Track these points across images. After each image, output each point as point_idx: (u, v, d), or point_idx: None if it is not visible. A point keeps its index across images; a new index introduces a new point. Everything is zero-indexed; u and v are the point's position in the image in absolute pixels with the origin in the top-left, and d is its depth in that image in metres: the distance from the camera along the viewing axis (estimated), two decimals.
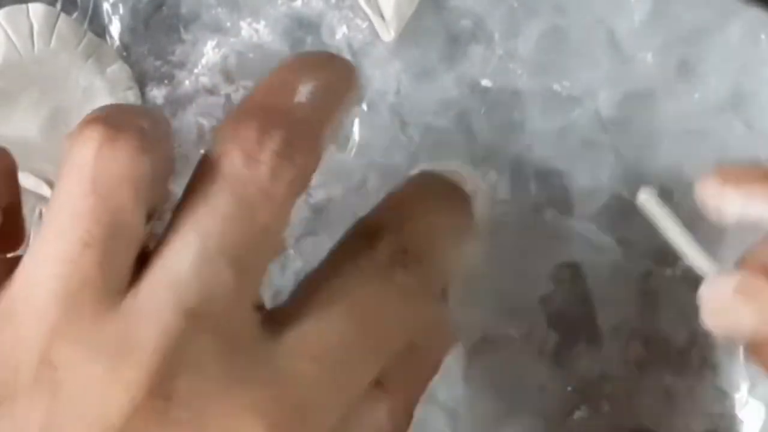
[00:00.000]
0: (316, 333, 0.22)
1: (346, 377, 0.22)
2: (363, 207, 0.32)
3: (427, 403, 0.32)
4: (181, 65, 0.33)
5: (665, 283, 0.33)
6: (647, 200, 0.28)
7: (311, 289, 0.23)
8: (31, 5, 0.31)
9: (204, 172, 0.22)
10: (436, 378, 0.26)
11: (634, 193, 0.33)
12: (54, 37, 0.31)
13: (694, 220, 0.33)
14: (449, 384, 0.32)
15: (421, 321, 0.24)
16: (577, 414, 0.32)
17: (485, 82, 0.33)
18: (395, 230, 0.24)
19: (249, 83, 0.33)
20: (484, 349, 0.32)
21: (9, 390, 0.20)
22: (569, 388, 0.32)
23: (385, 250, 0.23)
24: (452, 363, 0.32)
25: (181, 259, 0.21)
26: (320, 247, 0.32)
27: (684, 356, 0.33)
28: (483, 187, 0.30)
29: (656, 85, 0.33)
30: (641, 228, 0.33)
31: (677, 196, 0.33)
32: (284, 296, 0.32)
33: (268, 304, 0.32)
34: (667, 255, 0.33)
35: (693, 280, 0.33)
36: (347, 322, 0.22)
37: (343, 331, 0.22)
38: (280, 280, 0.32)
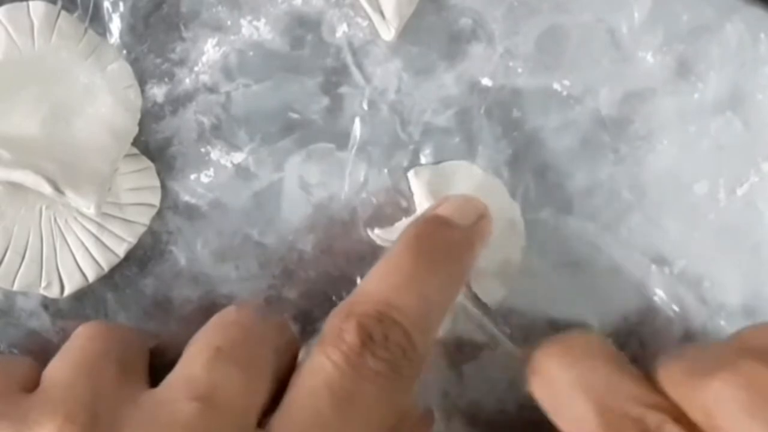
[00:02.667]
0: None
1: None
2: (363, 206, 0.33)
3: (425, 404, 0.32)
4: (181, 63, 0.33)
5: (662, 282, 0.33)
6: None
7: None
8: (31, 3, 0.31)
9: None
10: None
11: (633, 192, 0.33)
12: (54, 34, 0.31)
13: (693, 221, 0.33)
14: (447, 385, 0.32)
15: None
16: None
17: (485, 81, 0.33)
18: (364, 312, 0.27)
19: (249, 81, 0.33)
20: (482, 348, 0.32)
21: None
22: None
23: (350, 337, 0.26)
24: (449, 363, 0.33)
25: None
26: (319, 244, 0.32)
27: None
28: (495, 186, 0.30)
29: (656, 84, 0.33)
30: (640, 227, 0.33)
31: (677, 195, 0.33)
32: (282, 295, 0.32)
33: (268, 302, 0.32)
34: (666, 255, 0.33)
35: (692, 281, 0.33)
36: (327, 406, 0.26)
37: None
38: (279, 280, 0.32)
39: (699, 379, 0.26)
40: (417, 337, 0.27)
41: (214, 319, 0.28)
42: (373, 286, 0.27)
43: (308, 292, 0.32)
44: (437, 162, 0.33)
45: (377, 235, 0.32)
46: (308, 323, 0.32)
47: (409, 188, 0.33)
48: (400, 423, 0.27)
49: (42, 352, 0.32)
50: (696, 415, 0.26)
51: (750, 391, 0.25)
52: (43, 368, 0.28)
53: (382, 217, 0.33)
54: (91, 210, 0.30)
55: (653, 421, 0.26)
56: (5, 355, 0.30)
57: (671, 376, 0.27)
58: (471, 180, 0.33)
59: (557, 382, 0.28)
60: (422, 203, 0.32)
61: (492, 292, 0.32)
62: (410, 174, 0.33)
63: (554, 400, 0.28)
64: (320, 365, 0.26)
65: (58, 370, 0.27)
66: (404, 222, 0.32)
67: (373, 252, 0.33)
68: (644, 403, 0.26)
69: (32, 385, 0.27)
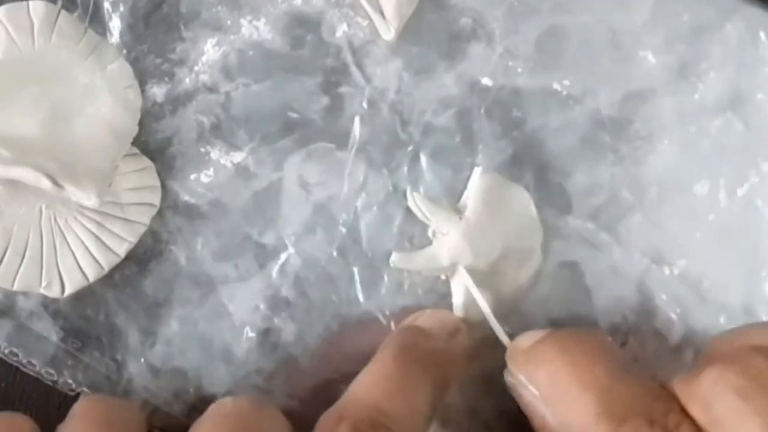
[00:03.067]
0: None
1: None
2: (363, 205, 0.33)
3: None
4: (181, 63, 0.33)
5: (662, 282, 0.33)
6: (463, 272, 0.31)
7: None
8: (31, 2, 0.31)
9: None
10: None
11: (633, 192, 0.33)
12: (54, 34, 0.31)
13: (693, 221, 0.33)
14: None
15: None
16: None
17: (485, 81, 0.33)
18: (356, 417, 0.27)
19: (249, 81, 0.33)
20: (482, 349, 0.32)
21: None
22: None
23: None
24: None
25: None
26: (320, 245, 0.33)
27: (679, 354, 0.33)
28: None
29: (657, 84, 0.33)
30: (640, 227, 0.33)
31: (677, 195, 0.33)
32: (282, 294, 0.32)
33: (268, 301, 0.32)
34: (666, 255, 0.33)
35: (691, 280, 0.33)
36: None
37: None
38: (279, 279, 0.32)
39: (697, 372, 0.26)
40: None
41: (213, 410, 0.29)
42: (363, 393, 0.28)
43: (307, 293, 0.32)
44: (438, 161, 0.33)
45: (414, 196, 0.32)
46: (307, 324, 0.32)
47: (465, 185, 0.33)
48: None
49: (42, 352, 0.32)
50: (695, 407, 0.26)
51: (745, 377, 0.25)
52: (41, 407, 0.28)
53: (382, 217, 0.33)
54: (92, 201, 0.30)
55: (659, 409, 0.26)
56: (4, 415, 0.29)
57: (675, 380, 0.27)
58: (521, 212, 0.33)
59: (560, 373, 0.28)
60: (469, 200, 0.32)
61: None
62: (476, 170, 0.33)
63: (556, 391, 0.28)
64: None
65: None
66: (445, 203, 0.32)
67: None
68: (650, 394, 0.27)
69: None
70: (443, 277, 0.32)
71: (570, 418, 0.27)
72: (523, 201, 0.33)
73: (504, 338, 0.31)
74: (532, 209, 0.33)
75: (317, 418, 0.27)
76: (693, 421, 0.26)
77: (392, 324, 0.32)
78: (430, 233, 0.33)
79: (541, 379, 0.28)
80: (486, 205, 0.32)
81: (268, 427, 0.29)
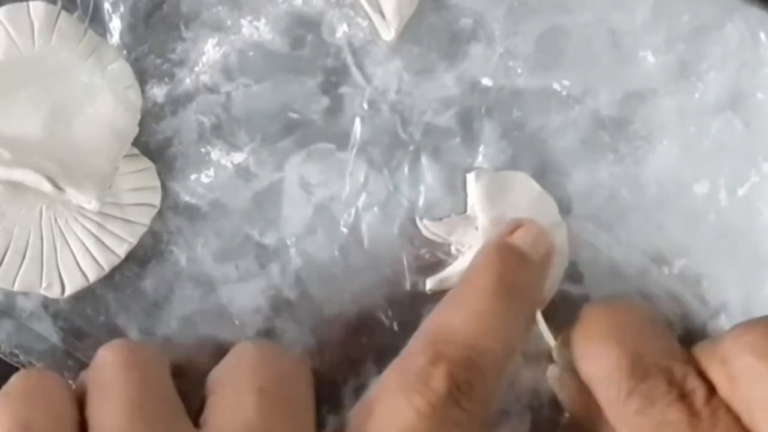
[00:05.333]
0: None
1: None
2: (363, 206, 0.33)
3: None
4: (181, 63, 0.33)
5: (662, 282, 0.33)
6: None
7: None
8: (31, 3, 0.31)
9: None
10: None
11: (633, 192, 0.33)
12: (54, 34, 0.31)
13: (693, 221, 0.33)
14: None
15: None
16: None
17: (486, 81, 0.33)
18: (454, 358, 0.26)
19: (249, 81, 0.33)
20: None
21: None
22: None
23: (437, 385, 0.26)
24: None
25: None
26: (320, 245, 0.33)
27: None
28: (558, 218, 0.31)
29: (656, 84, 0.33)
30: (640, 227, 0.33)
31: (677, 195, 0.33)
32: (283, 295, 0.32)
33: (269, 302, 0.32)
34: (665, 255, 0.33)
35: (690, 280, 0.33)
36: None
37: None
38: (280, 280, 0.32)
39: (718, 336, 0.27)
40: (497, 386, 0.27)
41: (239, 354, 0.28)
42: (459, 327, 0.27)
43: (308, 293, 0.32)
44: (439, 161, 0.33)
45: (425, 225, 0.32)
46: (308, 324, 0.32)
47: (464, 189, 0.33)
48: None
49: (42, 352, 0.32)
50: (713, 365, 0.27)
51: (765, 339, 0.25)
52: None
53: (383, 217, 0.33)
54: (92, 204, 0.30)
55: (679, 371, 0.27)
56: (35, 372, 0.28)
57: (698, 345, 0.28)
58: (527, 193, 0.33)
59: (594, 330, 0.28)
60: (476, 207, 0.32)
61: None
62: (469, 177, 0.33)
63: (587, 347, 0.28)
64: (401, 412, 0.25)
65: (107, 415, 0.25)
66: (455, 219, 0.32)
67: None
68: (673, 356, 0.27)
69: (77, 425, 0.25)
70: (454, 250, 0.33)
71: (595, 370, 0.28)
72: (524, 182, 0.33)
73: (550, 339, 0.30)
74: (536, 185, 0.33)
75: (318, 415, 0.27)
76: (709, 386, 0.26)
77: (395, 325, 0.32)
78: (453, 250, 0.33)
79: (578, 338, 0.29)
80: (493, 204, 0.32)
81: (301, 373, 0.28)
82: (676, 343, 0.28)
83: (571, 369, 0.29)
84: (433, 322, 0.28)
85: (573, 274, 0.33)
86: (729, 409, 0.26)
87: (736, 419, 0.26)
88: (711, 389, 0.26)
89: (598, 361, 0.28)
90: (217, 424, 0.25)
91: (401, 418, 0.25)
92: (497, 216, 0.32)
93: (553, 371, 0.30)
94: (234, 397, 0.26)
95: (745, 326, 0.27)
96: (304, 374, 0.28)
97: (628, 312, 0.29)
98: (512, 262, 0.29)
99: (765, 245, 0.33)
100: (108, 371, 0.26)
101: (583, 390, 0.28)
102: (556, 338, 0.30)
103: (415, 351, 0.27)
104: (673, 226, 0.33)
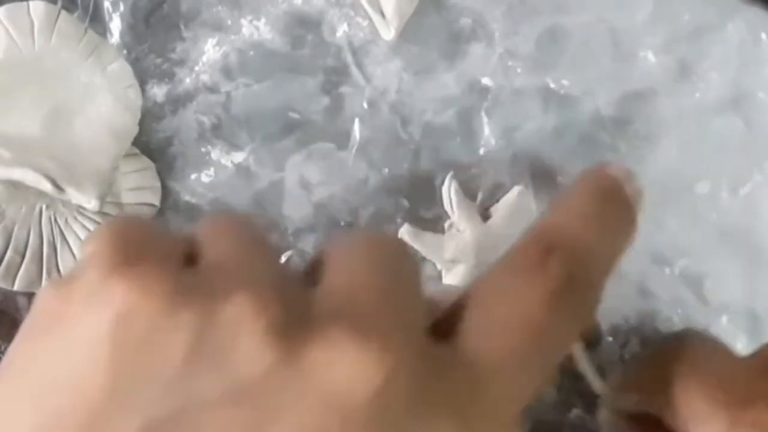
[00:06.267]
0: (489, 350, 0.23)
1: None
2: (364, 205, 0.33)
3: None
4: (181, 63, 0.33)
5: (663, 282, 0.33)
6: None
7: (477, 299, 0.24)
8: (31, 3, 0.31)
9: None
10: None
11: None
12: (55, 34, 0.31)
13: (694, 221, 0.33)
14: None
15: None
16: (574, 413, 0.32)
17: (485, 81, 0.33)
18: (568, 249, 0.24)
19: (249, 81, 0.33)
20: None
21: None
22: (565, 388, 0.32)
23: (555, 272, 0.24)
24: None
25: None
26: (320, 244, 0.32)
27: None
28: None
29: (656, 84, 0.33)
30: (641, 227, 0.33)
31: (678, 195, 0.33)
32: None
33: None
34: (666, 254, 0.33)
35: (692, 280, 0.33)
36: (519, 339, 0.23)
37: (516, 347, 0.23)
38: None
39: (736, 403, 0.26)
40: (598, 293, 0.25)
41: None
42: (569, 222, 0.25)
43: None
44: (439, 161, 0.33)
45: (402, 232, 0.32)
46: None
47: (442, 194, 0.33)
48: None
49: None
50: None
51: None
52: None
53: (383, 217, 0.33)
54: (92, 204, 0.30)
55: None
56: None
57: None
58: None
59: (667, 368, 0.27)
60: (500, 215, 0.32)
61: None
62: (514, 190, 0.33)
63: (663, 387, 0.27)
64: (522, 295, 0.23)
65: (222, 250, 0.22)
66: (434, 236, 0.32)
67: None
68: (764, 376, 0.26)
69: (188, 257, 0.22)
70: (438, 267, 0.32)
71: (689, 411, 0.27)
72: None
73: (594, 380, 0.30)
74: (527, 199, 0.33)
75: None
76: None
77: None
78: (446, 224, 0.33)
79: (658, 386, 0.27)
80: (511, 221, 0.32)
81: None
82: (744, 359, 0.27)
83: (624, 413, 0.29)
84: (538, 224, 0.27)
85: None
86: None
87: None
88: None
89: (683, 399, 0.26)
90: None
91: (522, 303, 0.23)
92: (473, 212, 0.32)
93: (603, 416, 0.29)
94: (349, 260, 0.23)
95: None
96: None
97: (709, 342, 0.27)
98: (613, 180, 0.29)
99: (767, 245, 0.33)
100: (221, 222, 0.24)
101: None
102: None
103: (524, 243, 0.26)
104: (675, 226, 0.33)
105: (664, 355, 0.28)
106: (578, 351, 0.29)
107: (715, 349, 0.27)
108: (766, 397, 0.25)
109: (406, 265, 0.24)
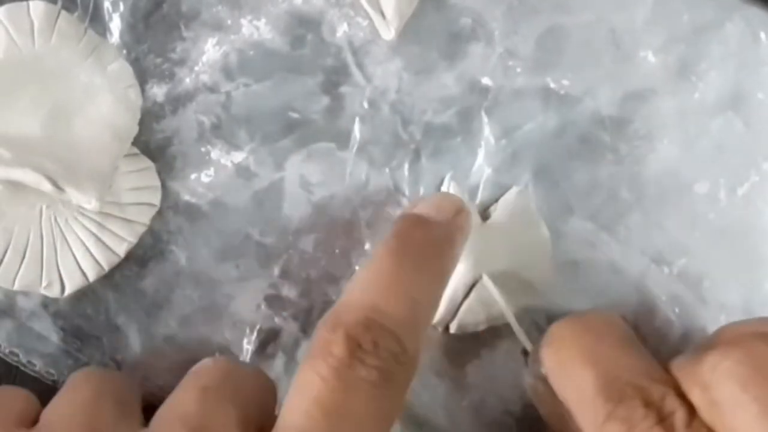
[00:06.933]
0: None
1: None
2: (364, 205, 0.33)
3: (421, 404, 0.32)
4: (181, 63, 0.33)
5: (662, 282, 0.33)
6: (488, 282, 0.31)
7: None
8: (31, 2, 0.31)
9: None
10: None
11: (633, 192, 0.33)
12: (54, 34, 0.31)
13: (693, 221, 0.33)
14: (451, 385, 0.32)
15: None
16: None
17: (485, 81, 0.33)
18: (352, 323, 0.26)
19: (249, 81, 0.33)
20: (480, 347, 0.32)
21: None
22: None
23: (338, 349, 0.26)
24: (452, 363, 0.33)
25: None
26: (320, 244, 0.33)
27: (678, 353, 0.33)
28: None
29: (656, 83, 0.33)
30: (639, 227, 0.33)
31: (677, 195, 0.33)
32: (283, 294, 0.32)
33: (269, 301, 0.32)
34: (665, 254, 0.33)
35: (690, 280, 0.33)
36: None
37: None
38: (281, 280, 0.32)
39: (698, 356, 0.26)
40: (407, 341, 0.26)
41: (193, 369, 0.29)
42: (358, 293, 0.27)
43: (308, 292, 0.32)
44: (439, 161, 0.33)
45: None
46: (308, 323, 0.32)
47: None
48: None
49: (42, 352, 0.32)
50: (694, 391, 0.26)
51: (747, 366, 0.25)
52: (41, 402, 0.28)
53: (383, 217, 0.33)
54: (92, 204, 0.30)
55: (656, 392, 0.26)
56: (4, 387, 0.30)
57: (676, 362, 0.27)
58: (536, 241, 0.33)
59: (565, 350, 0.28)
60: (498, 215, 0.32)
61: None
62: (512, 191, 0.33)
63: (560, 368, 0.28)
64: (309, 381, 0.25)
65: (56, 408, 0.28)
66: None
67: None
68: (649, 376, 0.26)
69: (30, 421, 0.27)
70: None
71: (569, 394, 0.27)
72: (541, 239, 0.33)
73: (526, 342, 0.30)
74: (548, 249, 0.33)
75: None
76: (689, 407, 0.26)
77: None
78: None
79: (548, 356, 0.28)
80: (510, 221, 0.32)
81: (252, 377, 0.28)
82: (652, 359, 0.28)
83: (545, 381, 0.29)
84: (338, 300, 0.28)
85: (574, 273, 0.33)
86: None
87: None
88: (691, 410, 0.26)
89: (572, 384, 0.27)
90: (158, 419, 0.26)
91: (309, 388, 0.25)
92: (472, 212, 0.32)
93: (528, 379, 0.30)
94: (174, 397, 0.27)
95: (723, 351, 0.26)
96: (255, 380, 0.28)
97: (599, 329, 0.29)
98: (409, 225, 0.29)
99: (765, 245, 0.33)
100: (69, 382, 0.29)
101: (559, 403, 0.28)
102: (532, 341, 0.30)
103: (318, 326, 0.27)
104: (674, 225, 0.33)
105: (564, 332, 0.29)
106: (508, 312, 0.30)
107: (612, 335, 0.28)
108: (642, 395, 0.26)
109: None
